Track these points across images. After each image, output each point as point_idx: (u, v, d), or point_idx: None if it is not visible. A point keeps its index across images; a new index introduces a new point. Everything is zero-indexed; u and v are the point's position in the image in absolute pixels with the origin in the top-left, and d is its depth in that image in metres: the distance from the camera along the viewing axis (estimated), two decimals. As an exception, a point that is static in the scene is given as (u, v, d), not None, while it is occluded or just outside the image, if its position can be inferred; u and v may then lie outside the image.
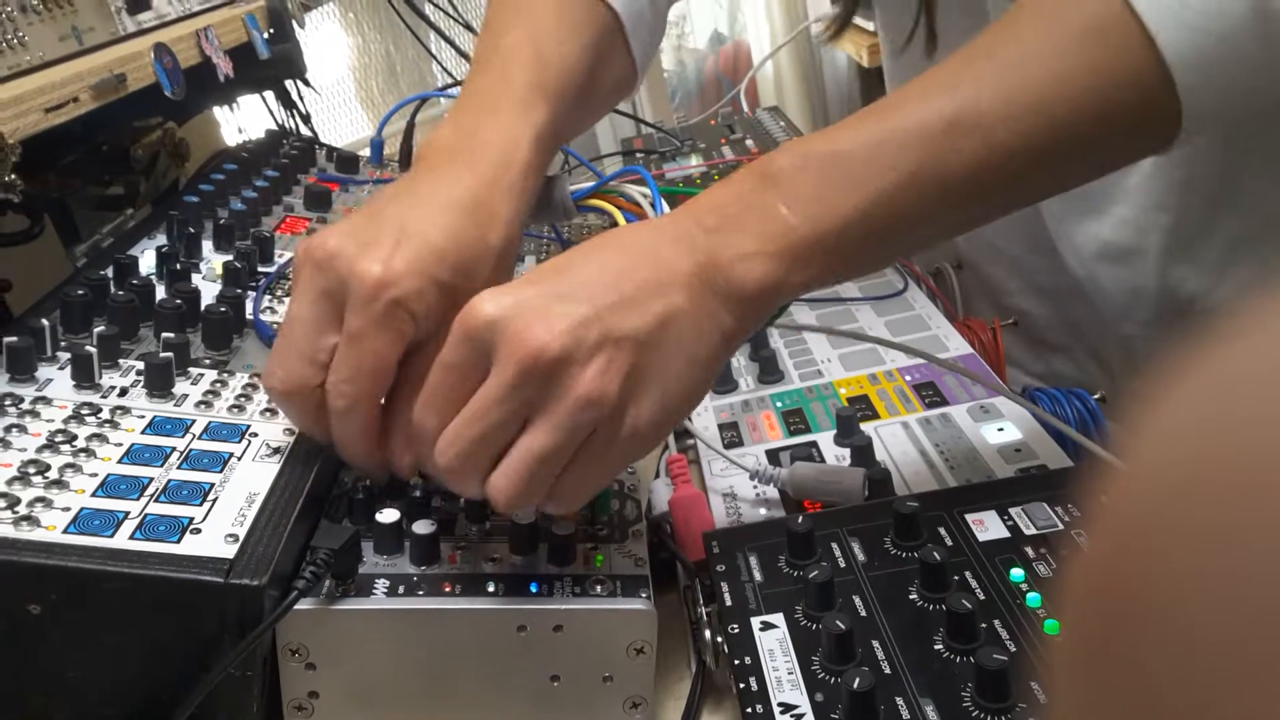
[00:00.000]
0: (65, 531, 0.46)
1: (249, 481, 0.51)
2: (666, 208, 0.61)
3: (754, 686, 0.47)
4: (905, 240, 0.53)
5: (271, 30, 1.02)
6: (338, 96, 1.81)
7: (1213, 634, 0.14)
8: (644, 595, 0.51)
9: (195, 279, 0.71)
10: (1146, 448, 0.17)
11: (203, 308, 0.64)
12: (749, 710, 0.46)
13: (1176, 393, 0.17)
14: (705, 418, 0.74)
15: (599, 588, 0.51)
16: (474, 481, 0.47)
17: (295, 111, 1.16)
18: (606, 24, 0.69)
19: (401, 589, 0.50)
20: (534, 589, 0.51)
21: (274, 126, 1.14)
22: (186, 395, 0.57)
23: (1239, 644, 0.14)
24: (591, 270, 0.48)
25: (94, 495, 0.49)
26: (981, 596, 0.50)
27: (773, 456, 0.68)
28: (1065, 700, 0.18)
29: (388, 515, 0.52)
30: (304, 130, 1.17)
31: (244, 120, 1.16)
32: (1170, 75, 0.47)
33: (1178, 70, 0.47)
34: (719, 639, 0.52)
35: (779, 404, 0.74)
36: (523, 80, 0.61)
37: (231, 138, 1.15)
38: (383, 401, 0.52)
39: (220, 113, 1.14)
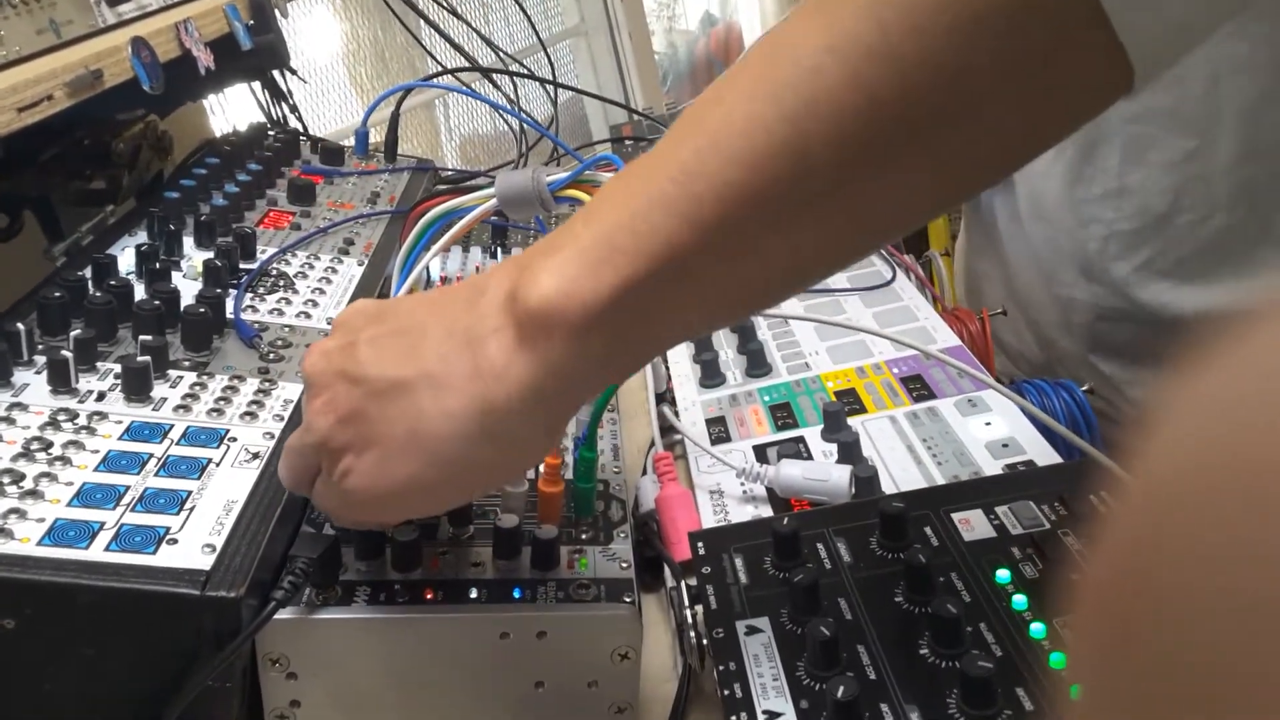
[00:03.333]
0: (40, 544, 0.46)
1: (227, 488, 0.51)
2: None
3: (738, 693, 0.47)
4: (739, 234, 0.40)
5: (253, 21, 1.00)
6: (329, 82, 1.79)
7: (1225, 644, 0.14)
8: (628, 600, 0.50)
9: (175, 277, 0.71)
10: (1154, 457, 0.17)
11: (182, 308, 0.64)
12: (733, 718, 0.45)
13: (1185, 400, 0.17)
14: (693, 413, 0.74)
15: (583, 592, 0.50)
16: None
17: (283, 101, 1.15)
18: None
19: (383, 596, 0.49)
20: (517, 595, 0.50)
21: (261, 117, 1.13)
22: (165, 399, 0.57)
23: (1251, 654, 0.14)
24: (413, 302, 0.47)
25: (69, 505, 0.48)
26: (967, 599, 0.49)
27: (760, 452, 0.68)
28: (1084, 703, 0.18)
29: (368, 521, 0.51)
30: (291, 120, 1.16)
31: (233, 109, 1.15)
32: None
33: None
34: (704, 642, 0.51)
35: (766, 398, 0.74)
36: None
37: (220, 127, 1.14)
38: None
39: (208, 102, 1.13)
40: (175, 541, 0.47)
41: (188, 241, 0.77)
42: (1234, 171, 0.74)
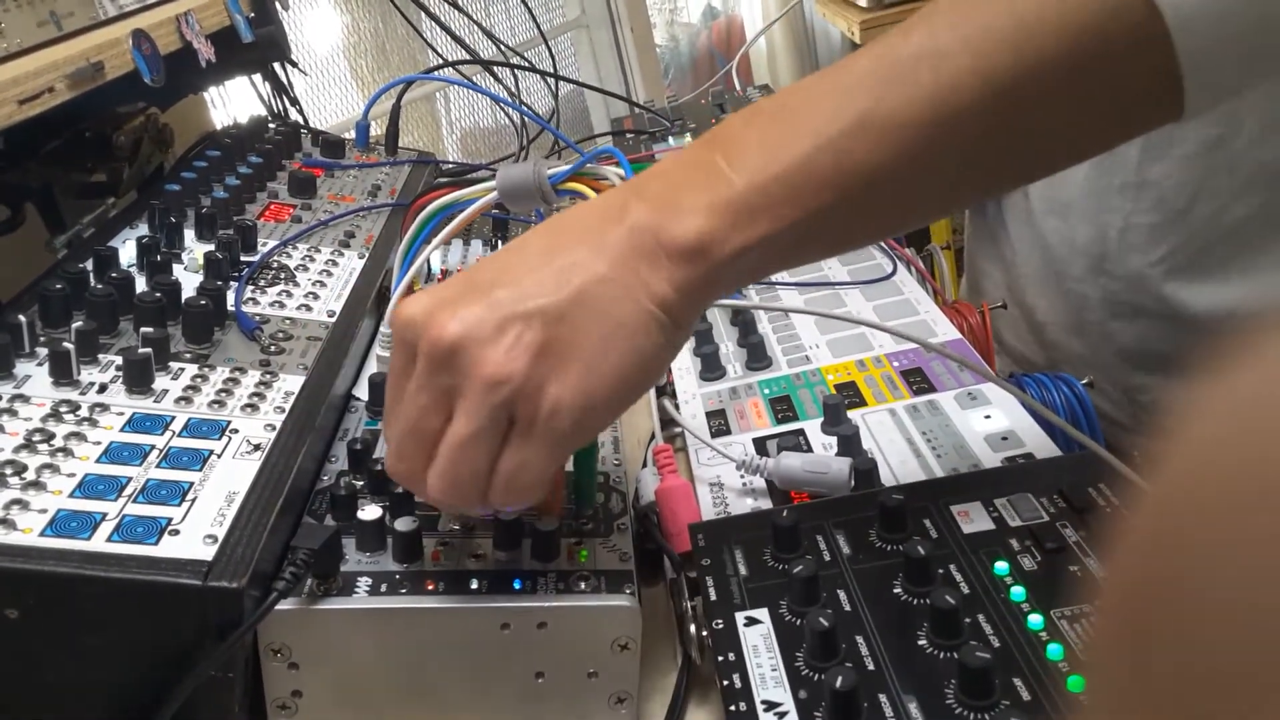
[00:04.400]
0: (42, 534, 0.46)
1: (229, 479, 0.51)
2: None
3: (738, 684, 0.47)
4: (865, 201, 0.47)
5: (254, 13, 1.00)
6: (330, 74, 1.79)
7: (1249, 647, 0.14)
8: (628, 591, 0.51)
9: (177, 269, 0.71)
10: (1176, 461, 0.17)
11: (183, 300, 0.64)
12: (732, 708, 0.46)
13: (1206, 405, 0.17)
14: (693, 405, 0.74)
15: (583, 583, 0.51)
16: (417, 485, 0.47)
17: (284, 94, 1.15)
18: None
19: (384, 587, 0.49)
20: (518, 585, 0.50)
21: (262, 110, 1.13)
22: (166, 391, 0.57)
23: (1274, 656, 0.14)
24: (513, 255, 0.47)
25: (71, 496, 0.48)
26: (966, 590, 0.49)
27: (760, 445, 0.68)
28: (1101, 701, 0.18)
29: (370, 512, 0.52)
30: (292, 113, 1.16)
31: (234, 101, 1.15)
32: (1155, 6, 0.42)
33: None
34: (704, 633, 0.52)
35: (767, 391, 0.74)
36: None
37: (221, 119, 1.14)
38: None
39: (209, 94, 1.13)
40: (177, 532, 0.47)
41: (189, 234, 0.77)
42: (1252, 155, 0.73)
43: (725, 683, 0.47)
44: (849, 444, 0.64)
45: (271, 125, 1.03)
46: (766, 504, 0.63)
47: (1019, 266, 0.92)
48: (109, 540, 0.46)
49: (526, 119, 1.11)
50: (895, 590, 0.50)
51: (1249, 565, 0.15)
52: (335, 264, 0.77)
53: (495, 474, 0.45)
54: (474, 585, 0.50)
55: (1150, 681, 0.16)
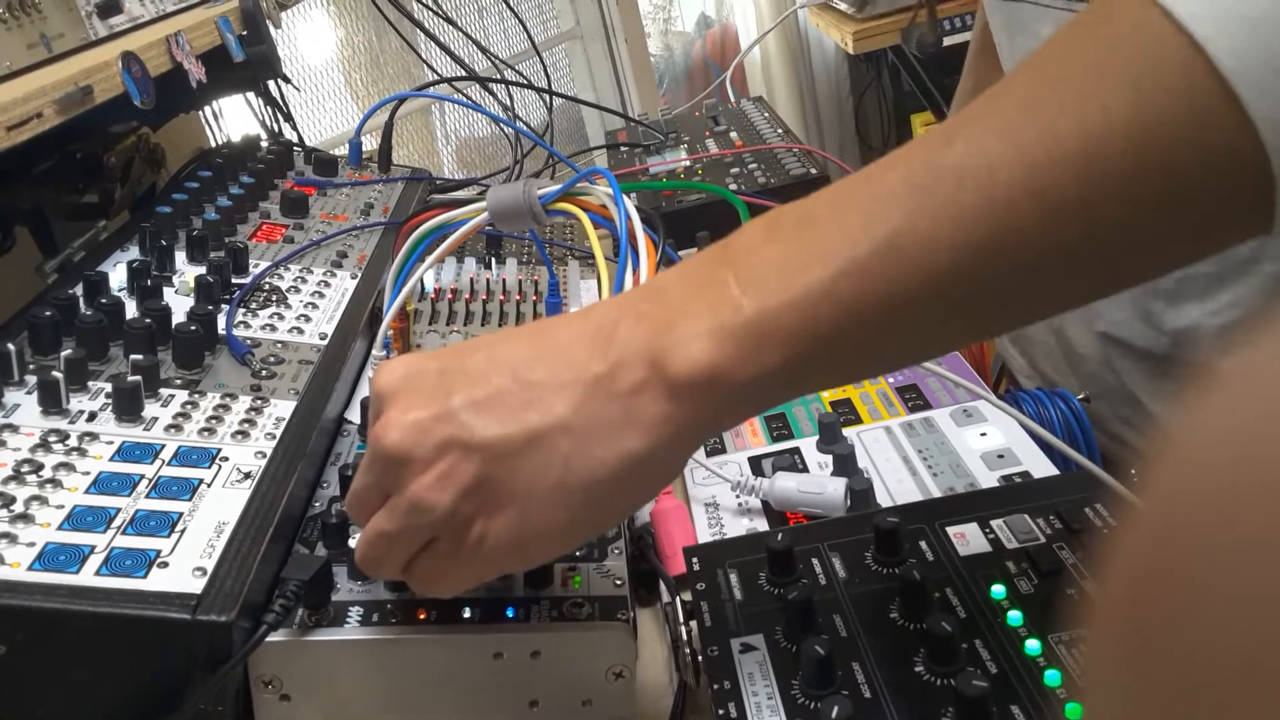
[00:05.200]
0: (30, 569, 0.45)
1: (219, 509, 0.51)
2: (628, 204, 0.60)
3: (733, 713, 0.46)
4: (890, 332, 0.40)
5: (245, 32, 1.00)
6: (324, 89, 1.79)
7: (1250, 646, 0.14)
8: (622, 618, 0.50)
9: (168, 293, 0.71)
10: (1171, 469, 0.17)
11: (174, 325, 0.63)
12: (727, 737, 0.45)
13: (1200, 414, 0.17)
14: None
15: (577, 611, 0.50)
16: None
17: (278, 111, 1.15)
18: None
19: (375, 617, 0.49)
20: (510, 614, 0.50)
21: (257, 126, 1.13)
22: (156, 418, 0.57)
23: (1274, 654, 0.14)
24: (486, 357, 0.43)
25: (60, 529, 0.48)
26: (962, 614, 0.49)
27: (755, 464, 0.68)
28: (1101, 701, 0.18)
29: (361, 541, 0.51)
30: (286, 129, 1.16)
31: (230, 118, 1.15)
32: (1250, 122, 0.34)
33: (1261, 116, 0.34)
34: (699, 658, 0.51)
35: (762, 409, 0.73)
36: None
37: (217, 137, 1.14)
38: None
39: (206, 111, 1.13)
40: (166, 565, 0.47)
41: (180, 256, 0.76)
42: None
43: (721, 712, 0.47)
44: (844, 462, 0.64)
45: (264, 144, 1.03)
46: (762, 524, 0.62)
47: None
48: (97, 574, 0.46)
49: (520, 134, 1.10)
50: (891, 615, 0.50)
51: (1246, 563, 0.15)
52: (328, 285, 0.76)
53: (412, 567, 0.44)
54: (466, 614, 0.50)
55: (1150, 689, 0.16)
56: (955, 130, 0.39)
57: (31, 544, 0.47)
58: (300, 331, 0.69)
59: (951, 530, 0.54)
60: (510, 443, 0.41)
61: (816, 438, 0.68)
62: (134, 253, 0.77)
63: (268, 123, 1.14)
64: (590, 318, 0.43)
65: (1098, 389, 0.83)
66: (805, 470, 0.66)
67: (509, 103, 1.23)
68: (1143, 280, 0.43)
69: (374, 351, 0.72)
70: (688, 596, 0.56)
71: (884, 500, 0.62)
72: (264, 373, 0.63)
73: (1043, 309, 0.43)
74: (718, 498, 0.66)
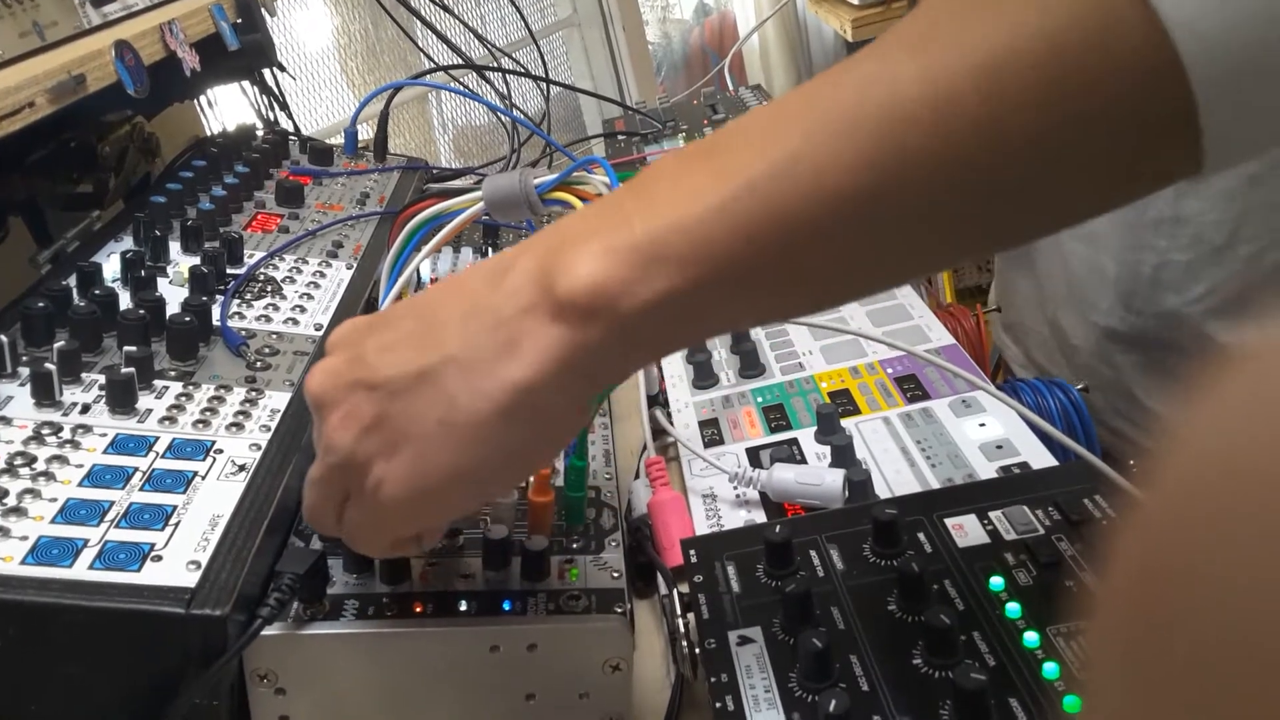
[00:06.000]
0: (23, 562, 0.45)
1: (213, 502, 0.50)
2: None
3: (730, 706, 0.46)
4: (789, 262, 0.38)
5: (240, 20, 1.00)
6: (320, 77, 1.78)
7: (1253, 635, 0.14)
8: (620, 610, 0.50)
9: (162, 284, 0.70)
10: (1174, 462, 0.17)
11: (168, 316, 0.63)
12: (725, 730, 0.45)
13: (1204, 408, 0.17)
14: (686, 414, 0.73)
15: (574, 603, 0.50)
16: None
17: (273, 100, 1.14)
18: None
19: (371, 610, 0.49)
20: (507, 607, 0.50)
21: (252, 115, 1.12)
22: (150, 410, 0.56)
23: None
24: (408, 305, 0.44)
25: (53, 522, 0.47)
26: (961, 607, 0.49)
27: (753, 455, 0.67)
28: (1104, 690, 0.18)
29: (356, 533, 0.51)
30: (282, 118, 1.15)
31: (225, 107, 1.14)
32: (1162, 27, 0.32)
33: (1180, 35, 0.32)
34: (696, 651, 0.51)
35: (760, 399, 0.73)
36: None
37: (212, 126, 1.13)
38: None
39: (201, 100, 1.12)
40: (160, 558, 0.46)
41: (174, 247, 0.76)
42: None
43: (718, 705, 0.47)
44: (843, 454, 0.64)
45: (259, 133, 1.02)
46: (760, 515, 0.62)
47: (1048, 288, 0.89)
48: (91, 568, 0.45)
49: (517, 123, 1.10)
50: (890, 607, 0.49)
51: (1247, 553, 0.15)
52: (323, 275, 0.76)
53: (341, 519, 0.45)
54: (463, 607, 0.49)
55: (1151, 680, 0.16)
56: (867, 52, 0.38)
57: (24, 538, 0.46)
58: (295, 322, 0.69)
59: (950, 522, 0.54)
60: (405, 379, 0.41)
61: (815, 429, 0.68)
62: (128, 243, 0.76)
63: (263, 111, 1.13)
64: (490, 260, 0.43)
65: (1094, 381, 0.83)
66: (803, 461, 0.65)
67: (506, 91, 1.23)
68: (1071, 218, 0.40)
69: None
70: (685, 589, 0.55)
71: (882, 491, 0.61)
72: (259, 364, 0.63)
73: (959, 242, 0.40)
74: (715, 489, 0.65)
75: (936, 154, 0.36)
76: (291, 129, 1.13)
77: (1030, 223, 0.40)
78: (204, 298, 0.66)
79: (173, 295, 0.68)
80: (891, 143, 0.36)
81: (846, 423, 0.68)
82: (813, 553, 0.54)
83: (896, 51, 0.37)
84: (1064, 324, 0.88)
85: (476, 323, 0.40)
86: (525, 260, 0.40)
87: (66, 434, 0.53)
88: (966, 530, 0.53)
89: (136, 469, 0.52)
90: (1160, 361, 0.80)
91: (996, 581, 0.50)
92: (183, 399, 0.58)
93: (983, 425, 0.66)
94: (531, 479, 0.54)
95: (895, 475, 0.63)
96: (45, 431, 0.53)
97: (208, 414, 0.57)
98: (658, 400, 0.76)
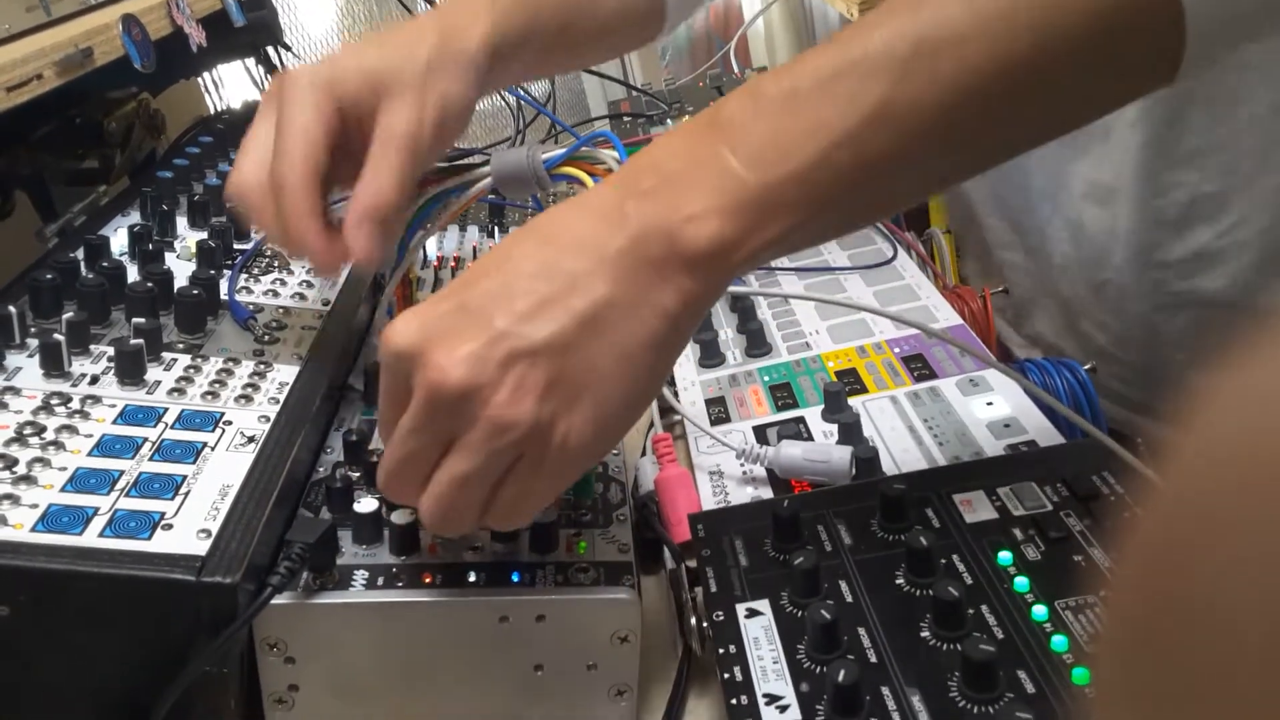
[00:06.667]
0: (33, 530, 0.45)
1: (223, 472, 0.50)
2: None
3: (738, 676, 0.46)
4: (881, 188, 0.46)
5: (246, -3, 0.99)
6: (325, 55, 1.78)
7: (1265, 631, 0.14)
8: (628, 583, 0.50)
9: (169, 258, 0.70)
10: (1192, 449, 0.17)
11: (176, 289, 0.63)
12: (733, 701, 0.45)
13: (1225, 393, 0.17)
14: (692, 393, 0.73)
15: (582, 576, 0.50)
16: (408, 503, 0.47)
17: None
18: None
19: (380, 580, 0.49)
20: (516, 578, 0.50)
21: (257, 93, 1.12)
22: (159, 382, 0.56)
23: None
24: (505, 274, 0.44)
25: (63, 490, 0.48)
26: (969, 581, 0.49)
27: (760, 433, 0.67)
28: (1111, 686, 0.18)
29: (366, 505, 0.51)
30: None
31: (230, 85, 1.14)
32: None
33: None
34: (704, 624, 0.51)
35: (767, 378, 0.73)
36: None
37: (217, 103, 1.13)
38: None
39: (205, 77, 1.12)
40: (170, 527, 0.46)
41: (181, 222, 0.76)
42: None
43: (726, 675, 0.47)
44: (850, 432, 0.64)
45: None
46: (767, 492, 0.62)
47: (1050, 256, 0.89)
48: (101, 535, 0.45)
49: (522, 103, 1.10)
50: (898, 581, 0.49)
51: (1262, 547, 0.14)
52: (330, 251, 0.76)
53: (495, 502, 0.44)
54: (472, 578, 0.49)
55: (1163, 677, 0.16)
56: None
57: (35, 505, 0.46)
58: (303, 297, 0.69)
59: (958, 498, 0.54)
60: (568, 333, 0.42)
61: (821, 407, 0.68)
62: (135, 218, 0.76)
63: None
64: (588, 205, 0.45)
65: (1099, 355, 0.83)
66: (810, 439, 0.65)
67: (511, 71, 1.22)
68: (1070, 128, 0.48)
69: (377, 319, 0.72)
70: (692, 564, 0.55)
71: (890, 470, 0.61)
72: (266, 338, 0.62)
73: (999, 156, 0.49)
74: (722, 466, 0.65)
75: (999, 91, 0.43)
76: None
77: (1050, 128, 0.48)
78: (211, 271, 0.66)
79: (180, 270, 0.68)
80: (966, 87, 0.43)
81: (853, 401, 0.68)
82: (820, 528, 0.54)
83: (956, 8, 0.43)
84: (1064, 292, 0.88)
85: (619, 266, 0.43)
86: (640, 209, 0.43)
87: (76, 404, 0.53)
88: (974, 506, 0.53)
89: (146, 439, 0.52)
90: (1175, 315, 0.80)
91: (1005, 556, 0.50)
92: (191, 371, 0.58)
93: (990, 404, 0.65)
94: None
95: (902, 454, 0.63)
96: (54, 402, 0.53)
97: (216, 386, 0.57)
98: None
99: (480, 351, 0.42)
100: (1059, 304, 0.90)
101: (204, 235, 0.72)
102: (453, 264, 0.80)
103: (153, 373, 0.57)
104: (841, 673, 0.43)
